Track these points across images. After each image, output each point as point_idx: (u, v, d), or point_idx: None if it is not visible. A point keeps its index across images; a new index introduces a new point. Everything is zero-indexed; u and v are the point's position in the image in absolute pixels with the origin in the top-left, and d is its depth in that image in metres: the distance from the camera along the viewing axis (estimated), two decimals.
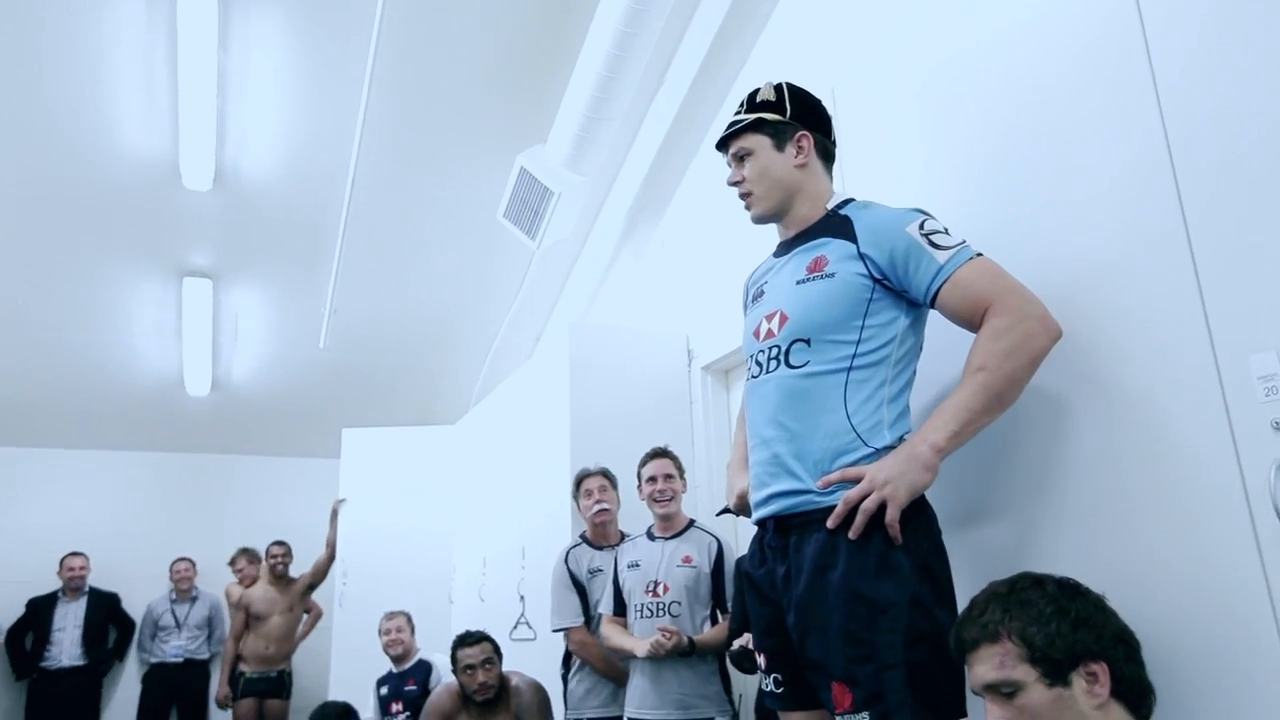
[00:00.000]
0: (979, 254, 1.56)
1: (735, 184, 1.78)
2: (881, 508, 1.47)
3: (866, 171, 2.18)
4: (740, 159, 1.76)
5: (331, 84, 3.85)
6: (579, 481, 3.14)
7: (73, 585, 5.75)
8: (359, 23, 3.37)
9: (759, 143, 1.74)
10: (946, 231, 1.58)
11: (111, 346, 5.46)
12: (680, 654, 2.57)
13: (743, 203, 1.79)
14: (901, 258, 1.57)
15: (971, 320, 1.54)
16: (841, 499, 1.50)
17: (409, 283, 5.27)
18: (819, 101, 1.81)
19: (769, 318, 1.69)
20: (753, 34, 3.40)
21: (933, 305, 1.58)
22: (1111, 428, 1.49)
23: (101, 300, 5.08)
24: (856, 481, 1.51)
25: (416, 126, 4.14)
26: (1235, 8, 1.37)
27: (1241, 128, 1.34)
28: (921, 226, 1.58)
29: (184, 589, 5.96)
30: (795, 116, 1.75)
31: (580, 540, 3.15)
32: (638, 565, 2.80)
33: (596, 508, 3.04)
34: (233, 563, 5.91)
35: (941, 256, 1.54)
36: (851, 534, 1.49)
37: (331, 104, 3.92)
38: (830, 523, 1.51)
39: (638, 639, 2.65)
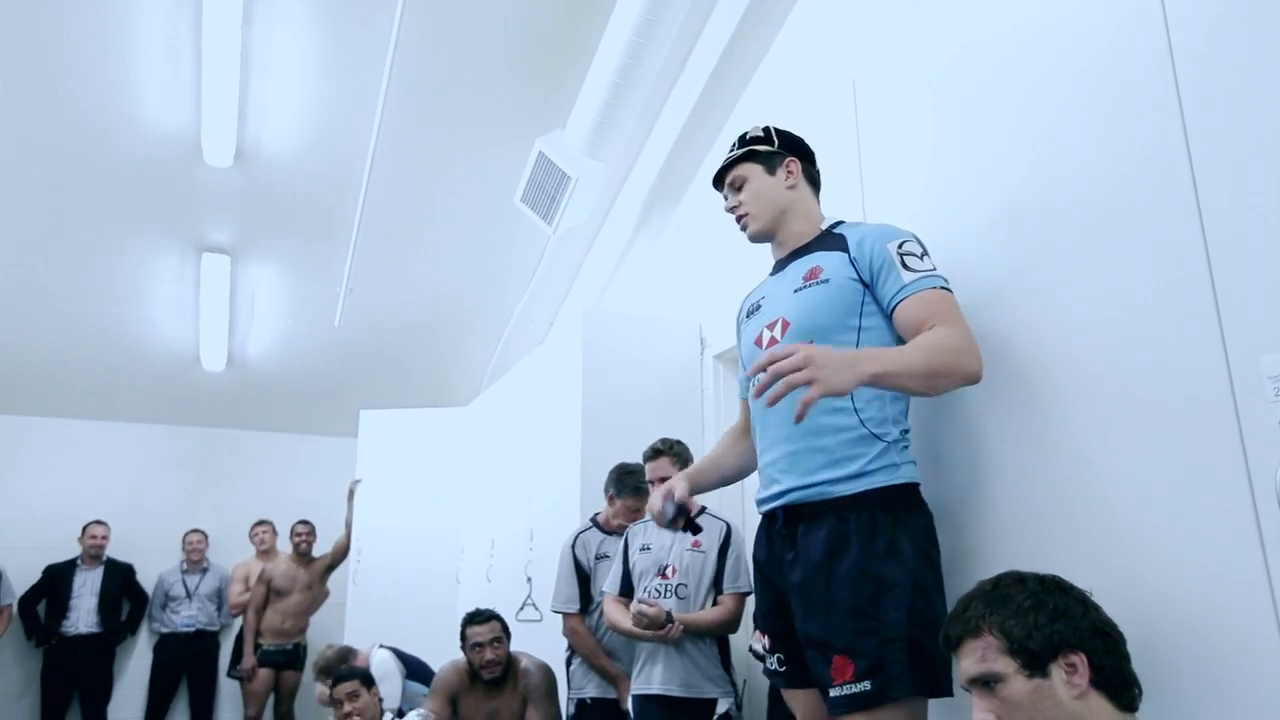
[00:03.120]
0: (946, 286, 1.67)
1: (733, 209, 1.93)
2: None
3: (884, 162, 2.19)
4: (737, 188, 1.93)
5: (353, 64, 3.87)
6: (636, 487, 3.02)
7: (93, 553, 5.84)
8: (383, 3, 3.39)
9: (752, 170, 1.91)
10: (923, 257, 1.70)
11: (129, 320, 5.52)
12: (659, 626, 2.59)
13: (739, 224, 1.94)
14: (878, 268, 1.71)
15: (918, 333, 1.62)
16: (769, 366, 1.41)
17: (425, 264, 5.30)
18: (803, 139, 1.97)
19: (770, 326, 1.80)
20: (774, 26, 3.40)
21: (890, 317, 1.69)
22: (1120, 423, 1.51)
23: (120, 273, 5.13)
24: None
25: (437, 108, 4.15)
26: (1257, 6, 1.38)
27: (1261, 125, 1.35)
28: (901, 246, 1.71)
29: (195, 560, 6.06)
30: (782, 146, 1.93)
31: (591, 524, 3.17)
32: (649, 548, 2.84)
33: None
34: (259, 524, 6.05)
35: (908, 276, 1.67)
36: (766, 403, 1.47)
37: (353, 84, 3.94)
38: (753, 395, 1.56)
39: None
